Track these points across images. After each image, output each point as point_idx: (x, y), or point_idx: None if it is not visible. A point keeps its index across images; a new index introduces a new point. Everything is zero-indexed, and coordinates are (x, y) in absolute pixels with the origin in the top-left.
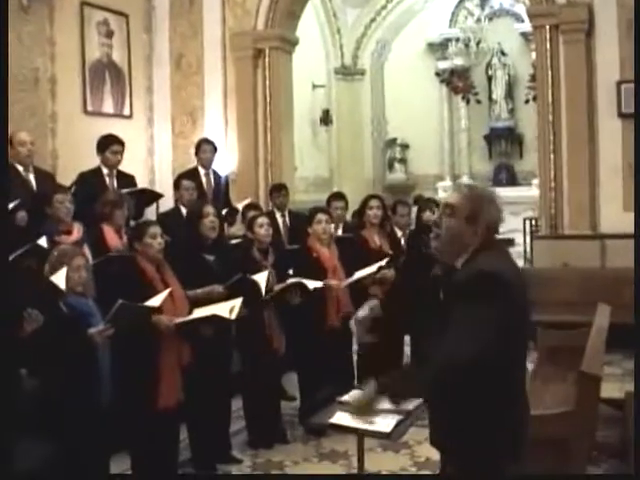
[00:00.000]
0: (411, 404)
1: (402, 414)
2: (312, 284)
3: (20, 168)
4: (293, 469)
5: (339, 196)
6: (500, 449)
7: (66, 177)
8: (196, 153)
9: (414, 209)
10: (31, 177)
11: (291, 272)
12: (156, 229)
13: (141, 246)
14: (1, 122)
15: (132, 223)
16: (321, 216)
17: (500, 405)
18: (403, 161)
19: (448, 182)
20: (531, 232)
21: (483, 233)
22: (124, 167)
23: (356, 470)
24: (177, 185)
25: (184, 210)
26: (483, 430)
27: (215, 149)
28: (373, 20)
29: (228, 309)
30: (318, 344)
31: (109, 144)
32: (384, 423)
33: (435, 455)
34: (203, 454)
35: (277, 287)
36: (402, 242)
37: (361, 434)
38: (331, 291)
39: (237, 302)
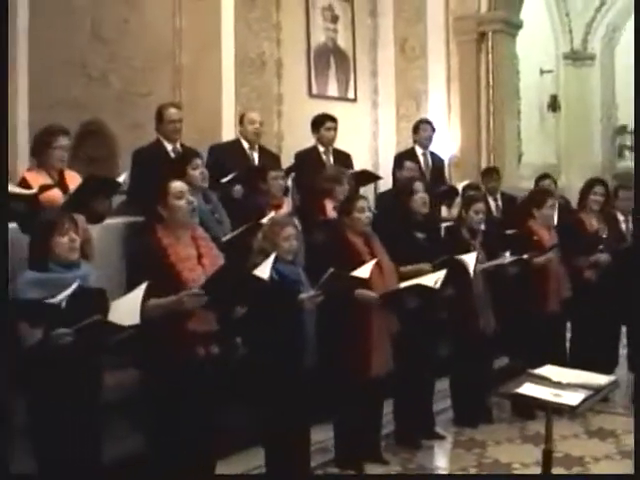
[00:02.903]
0: (603, 380)
1: (592, 389)
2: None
3: (246, 145)
4: (495, 449)
5: (546, 176)
6: None
7: (290, 158)
8: (414, 132)
9: None
10: (255, 155)
11: (508, 254)
12: (364, 203)
13: (349, 220)
14: (2, 119)
15: None
16: (552, 200)
17: None
18: (634, 149)
19: None
20: None
21: None
22: (348, 149)
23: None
24: (400, 165)
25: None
26: None
27: (433, 129)
28: (603, 3)
29: (433, 280)
30: (534, 329)
31: (323, 121)
32: (572, 397)
33: None
34: (406, 428)
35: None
36: (623, 227)
37: (549, 409)
38: (552, 272)
39: (441, 274)
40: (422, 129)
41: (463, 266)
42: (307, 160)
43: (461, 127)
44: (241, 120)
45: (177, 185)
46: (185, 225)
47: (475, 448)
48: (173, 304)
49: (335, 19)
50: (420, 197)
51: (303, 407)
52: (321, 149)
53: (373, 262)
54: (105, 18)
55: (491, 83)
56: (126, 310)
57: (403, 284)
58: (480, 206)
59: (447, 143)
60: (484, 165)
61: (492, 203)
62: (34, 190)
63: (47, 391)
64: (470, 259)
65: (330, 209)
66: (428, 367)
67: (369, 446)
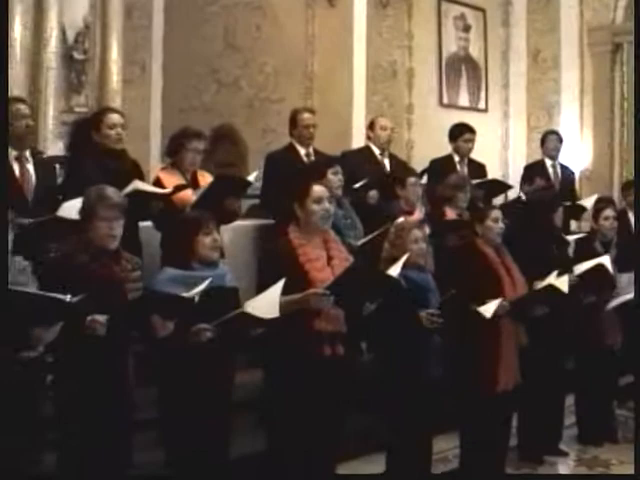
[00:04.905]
0: None
1: None
2: None
3: (377, 151)
4: (619, 468)
5: None
6: None
7: (420, 168)
8: (542, 144)
9: None
10: (386, 161)
11: None
12: (498, 213)
13: (482, 229)
14: (1, 120)
15: None
16: None
17: None
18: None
19: None
20: None
21: None
22: (479, 159)
23: None
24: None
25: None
26: None
27: (561, 140)
28: None
29: (560, 282)
30: None
31: (462, 133)
32: None
33: None
34: (530, 443)
35: None
36: None
37: None
38: None
39: (565, 278)
40: (548, 140)
41: (600, 272)
42: (441, 168)
43: (594, 140)
44: (371, 126)
45: (318, 189)
46: (318, 229)
47: (598, 467)
48: (299, 302)
49: (467, 28)
50: (560, 213)
51: (427, 416)
52: (456, 159)
53: (498, 302)
54: (238, 25)
55: (626, 95)
56: (265, 305)
57: (536, 288)
58: (609, 212)
59: (579, 156)
60: (616, 179)
61: (632, 218)
62: (169, 189)
63: (182, 384)
64: (605, 260)
65: (451, 216)
66: (556, 381)
67: (494, 459)
